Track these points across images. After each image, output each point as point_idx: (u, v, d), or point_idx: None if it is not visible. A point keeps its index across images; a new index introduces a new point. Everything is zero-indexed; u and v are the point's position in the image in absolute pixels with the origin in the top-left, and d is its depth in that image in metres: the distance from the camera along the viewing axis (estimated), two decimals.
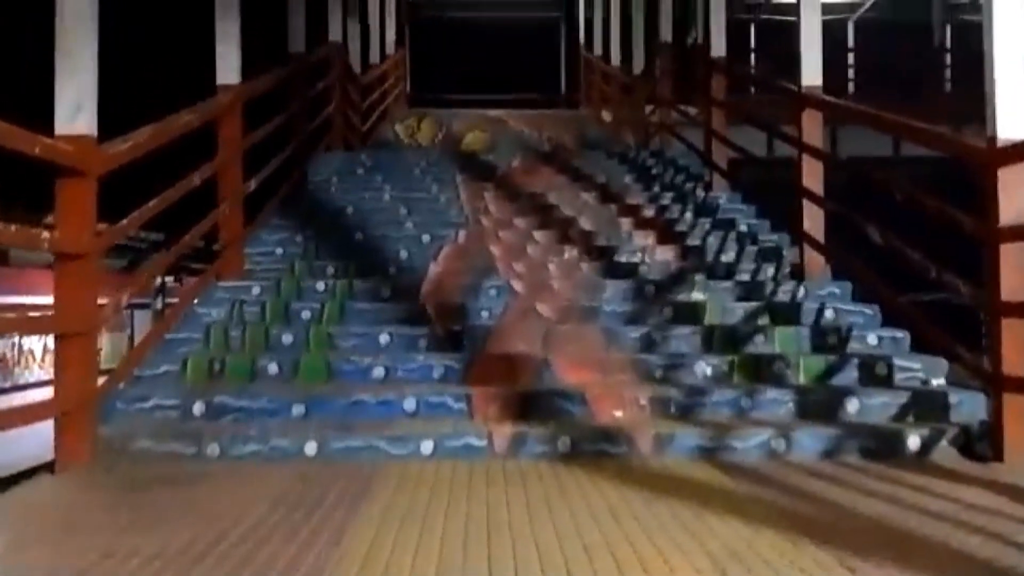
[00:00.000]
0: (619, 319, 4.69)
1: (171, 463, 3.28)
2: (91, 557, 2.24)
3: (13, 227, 2.88)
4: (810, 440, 3.39)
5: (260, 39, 5.94)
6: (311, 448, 3.35)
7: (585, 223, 6.02)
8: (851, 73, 16.30)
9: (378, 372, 4.08)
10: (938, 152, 4.07)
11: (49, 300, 3.22)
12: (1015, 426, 3.23)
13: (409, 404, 3.72)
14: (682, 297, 4.95)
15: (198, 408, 3.70)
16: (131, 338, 13.61)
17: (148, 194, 3.94)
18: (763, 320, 4.66)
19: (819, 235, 5.04)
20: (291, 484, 2.93)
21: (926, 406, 3.72)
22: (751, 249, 5.63)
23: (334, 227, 6.01)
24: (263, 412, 3.69)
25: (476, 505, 2.67)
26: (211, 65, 5.05)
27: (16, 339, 12.16)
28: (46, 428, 3.19)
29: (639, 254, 5.58)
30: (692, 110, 8.68)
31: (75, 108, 3.25)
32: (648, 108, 9.33)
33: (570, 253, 5.61)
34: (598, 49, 12.79)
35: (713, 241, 5.77)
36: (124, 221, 3.68)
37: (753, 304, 4.80)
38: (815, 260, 5.11)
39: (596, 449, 3.37)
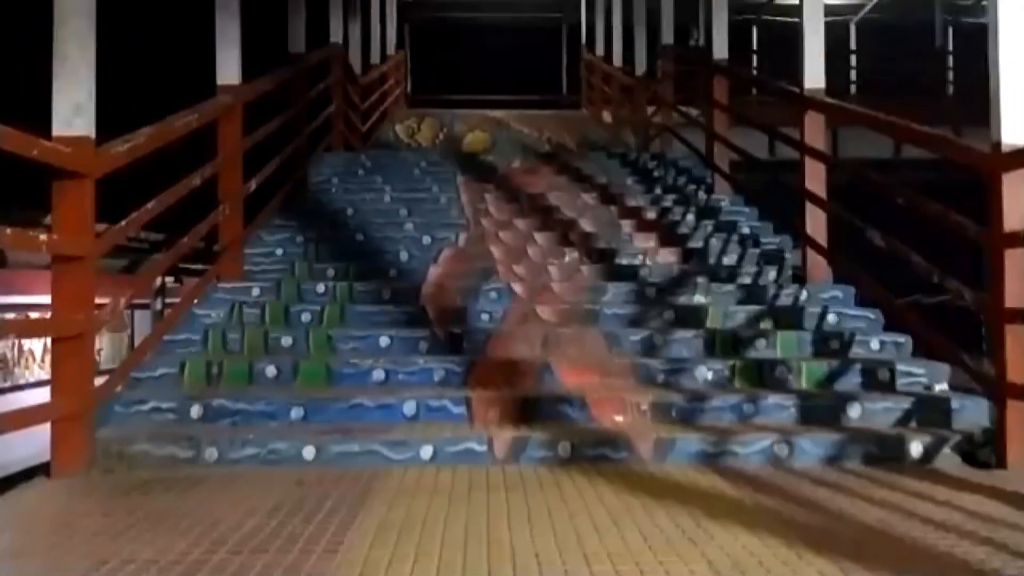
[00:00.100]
0: (620, 322, 4.67)
1: (168, 467, 3.26)
2: (85, 564, 2.22)
3: (9, 230, 2.85)
4: (812, 446, 3.36)
5: (260, 40, 5.91)
6: (309, 453, 3.32)
7: (586, 225, 5.99)
8: (852, 75, 16.27)
9: (378, 375, 4.06)
10: (941, 156, 4.03)
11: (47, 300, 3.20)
12: (1019, 433, 3.22)
13: (409, 408, 3.70)
14: (683, 300, 4.93)
15: (196, 411, 3.67)
16: (131, 338, 13.59)
17: (150, 194, 3.92)
18: (765, 324, 4.64)
19: (821, 238, 5.02)
20: (289, 490, 2.91)
21: (928, 412, 3.70)
22: (753, 252, 5.60)
23: (334, 228, 5.99)
24: (261, 415, 3.66)
25: (476, 513, 2.65)
26: (211, 66, 5.03)
27: (16, 339, 12.13)
28: (45, 427, 3.17)
29: (640, 257, 5.56)
30: (693, 111, 8.65)
31: (73, 109, 3.22)
32: (649, 109, 9.30)
33: (571, 255, 5.58)
34: (599, 50, 12.76)
35: (715, 244, 5.74)
36: (123, 223, 3.65)
37: (755, 308, 4.78)
38: (818, 263, 5.09)
39: (597, 454, 3.35)
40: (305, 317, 4.70)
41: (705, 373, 4.07)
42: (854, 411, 3.69)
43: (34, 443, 3.48)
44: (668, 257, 5.58)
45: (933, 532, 2.47)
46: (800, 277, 5.18)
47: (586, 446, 3.37)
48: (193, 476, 3.12)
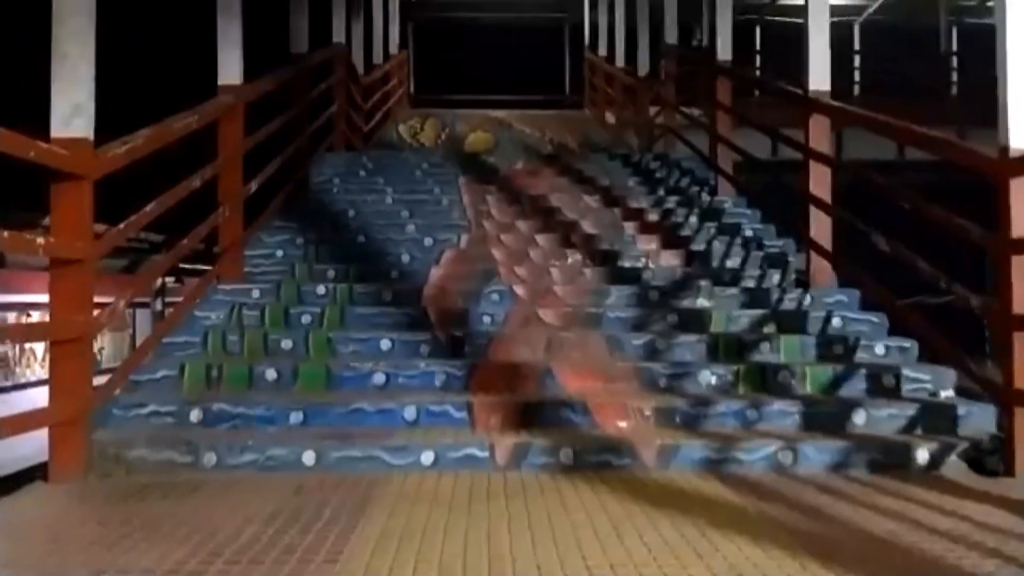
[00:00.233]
0: (623, 326, 4.63)
1: (166, 472, 3.22)
2: (81, 574, 2.19)
3: (6, 233, 2.82)
4: (817, 453, 3.33)
5: (262, 40, 5.88)
6: (309, 458, 3.29)
7: (588, 227, 5.96)
8: (856, 76, 16.20)
9: (378, 379, 4.02)
10: (948, 160, 3.99)
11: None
12: None
13: (409, 413, 3.67)
14: (687, 304, 4.89)
15: (195, 415, 3.64)
16: (132, 337, 13.59)
17: (151, 194, 3.89)
18: (769, 328, 4.60)
19: (826, 242, 4.98)
20: (288, 497, 2.88)
21: (935, 418, 3.66)
22: (756, 255, 5.57)
23: (335, 229, 5.96)
24: (261, 420, 3.63)
25: (476, 521, 2.62)
26: (213, 66, 5.00)
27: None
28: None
29: (643, 259, 5.52)
30: (696, 112, 8.61)
31: (72, 110, 3.20)
32: (652, 110, 9.27)
33: (573, 257, 5.55)
34: (602, 50, 12.72)
35: (718, 246, 5.71)
36: (122, 225, 3.62)
37: (759, 312, 4.74)
38: (822, 267, 5.04)
39: (599, 461, 3.31)
40: (305, 319, 4.67)
41: (708, 378, 4.03)
42: (859, 417, 3.65)
43: (35, 442, 3.44)
44: (671, 260, 5.55)
45: (941, 543, 2.43)
46: (804, 281, 5.14)
47: (589, 452, 3.33)
48: (191, 481, 3.09)
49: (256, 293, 4.90)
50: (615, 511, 2.74)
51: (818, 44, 5.02)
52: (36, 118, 3.21)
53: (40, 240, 3.08)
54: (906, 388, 3.98)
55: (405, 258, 5.49)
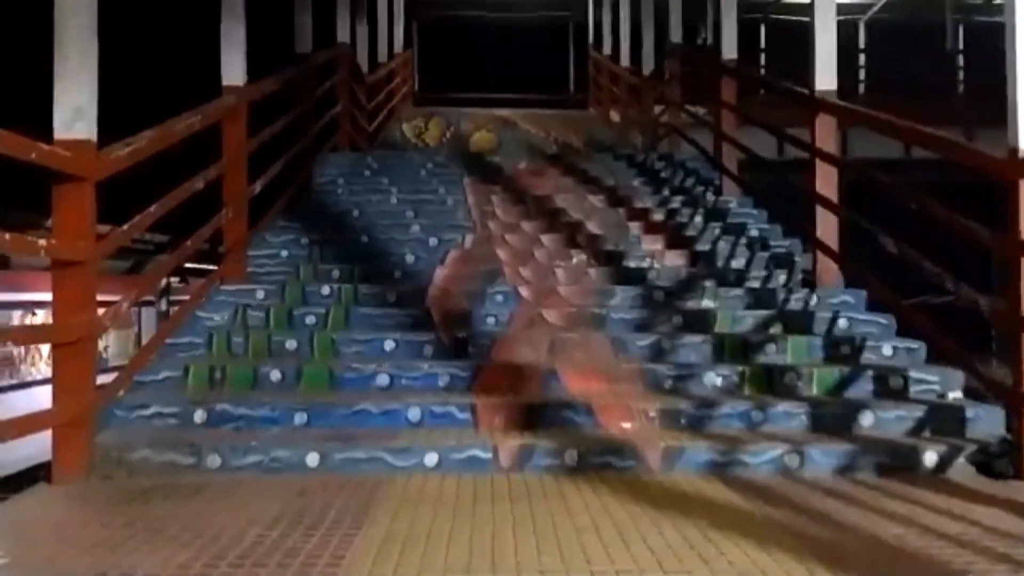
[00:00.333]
0: (627, 327, 4.61)
1: (170, 474, 3.21)
2: None
3: (8, 235, 2.81)
4: (823, 456, 3.30)
5: (266, 40, 5.87)
6: (313, 459, 3.28)
7: (593, 227, 5.94)
8: (861, 74, 16.15)
9: (382, 380, 4.01)
10: (956, 161, 3.96)
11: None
12: None
13: (413, 414, 3.65)
14: (692, 304, 4.87)
15: (199, 416, 3.63)
16: (138, 336, 13.62)
17: (155, 194, 3.88)
18: (775, 329, 4.58)
19: (832, 242, 4.94)
20: (291, 499, 2.86)
21: (942, 421, 3.63)
22: (762, 255, 5.54)
23: (340, 230, 5.95)
24: (265, 421, 3.62)
25: (480, 525, 2.60)
26: (216, 66, 4.99)
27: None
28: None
29: (648, 259, 5.50)
30: (701, 110, 8.58)
31: (74, 112, 3.18)
32: (657, 109, 9.23)
33: (578, 258, 5.53)
34: (607, 49, 12.69)
35: (723, 246, 5.68)
36: (125, 227, 3.61)
37: (764, 312, 4.71)
38: (828, 267, 5.01)
39: (604, 463, 3.29)
40: (309, 320, 4.66)
41: (714, 379, 4.01)
42: (866, 419, 3.62)
43: (39, 443, 3.44)
44: (676, 260, 5.52)
45: (949, 548, 2.41)
46: (810, 281, 5.11)
47: (593, 454, 3.31)
48: (194, 484, 3.08)
49: (260, 294, 4.89)
50: (619, 515, 2.72)
51: (824, 43, 4.99)
52: (38, 120, 3.20)
53: (42, 242, 3.07)
54: (914, 390, 3.95)
55: (409, 258, 5.48)
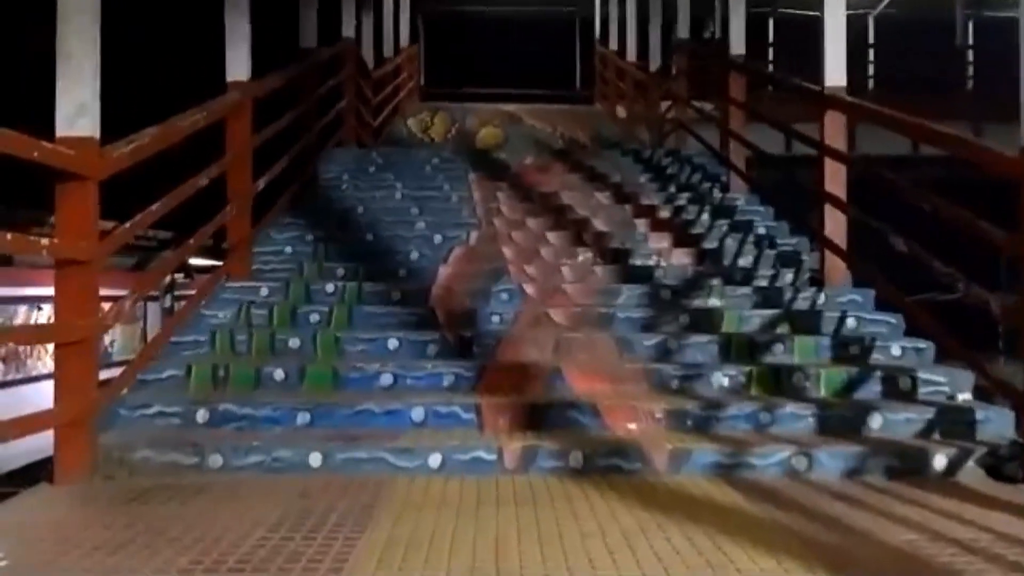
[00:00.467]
0: (634, 326, 4.57)
1: (172, 474, 3.20)
2: None
3: (9, 235, 2.79)
4: (832, 459, 3.26)
5: (271, 35, 5.84)
6: (315, 460, 3.26)
7: (599, 224, 5.89)
8: (870, 70, 16.04)
9: (386, 379, 3.98)
10: (967, 159, 3.91)
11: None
12: None
13: (417, 414, 3.62)
14: (698, 303, 4.83)
15: (201, 416, 3.61)
16: (144, 331, 13.64)
17: (159, 188, 3.86)
18: (782, 329, 4.53)
19: (841, 241, 4.89)
20: (293, 501, 2.84)
21: (952, 423, 3.59)
22: (769, 253, 5.49)
23: (344, 226, 5.92)
24: (267, 420, 3.60)
25: (484, 529, 2.57)
26: (220, 62, 4.96)
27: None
28: None
29: (654, 257, 5.46)
30: (708, 106, 8.53)
31: (77, 110, 3.16)
32: (664, 105, 9.18)
33: (584, 256, 5.49)
34: (613, 44, 12.62)
35: (730, 244, 5.64)
36: (127, 224, 3.59)
37: (772, 312, 4.67)
38: (836, 266, 4.96)
39: (609, 465, 3.26)
40: (313, 318, 4.64)
41: (720, 379, 3.97)
42: (875, 421, 3.58)
43: (39, 439, 3.42)
44: (683, 258, 5.48)
45: (961, 555, 2.37)
46: (818, 280, 5.06)
47: (599, 456, 3.28)
48: (196, 484, 3.06)
49: (264, 291, 4.87)
50: (625, 519, 2.69)
51: (834, 39, 4.93)
52: (40, 118, 3.18)
53: (44, 241, 3.04)
54: (922, 391, 3.91)
55: (414, 256, 5.45)
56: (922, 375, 3.96)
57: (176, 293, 13.60)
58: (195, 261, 9.93)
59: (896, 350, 4.27)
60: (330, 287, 4.93)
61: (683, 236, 5.78)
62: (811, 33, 5.16)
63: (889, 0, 15.80)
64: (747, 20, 6.82)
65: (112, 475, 3.18)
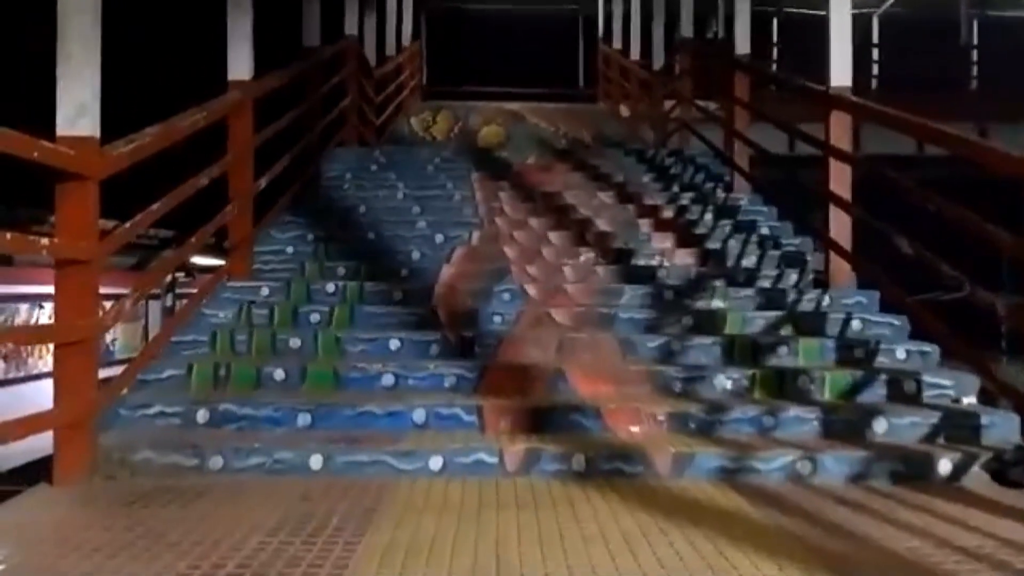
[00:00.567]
0: (636, 327, 4.55)
1: (173, 475, 3.18)
2: None
3: (9, 235, 2.77)
4: (836, 463, 3.24)
5: (273, 33, 5.82)
6: (316, 462, 3.24)
7: (602, 224, 5.87)
8: (875, 69, 16.00)
9: (387, 380, 3.97)
10: (975, 161, 3.88)
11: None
12: None
13: (418, 416, 3.61)
14: (701, 305, 4.80)
15: (202, 416, 3.60)
16: (145, 329, 13.65)
17: (159, 187, 3.84)
18: (786, 331, 4.51)
19: (846, 242, 4.87)
20: (294, 504, 2.82)
21: (957, 427, 3.57)
22: (773, 254, 5.47)
23: (346, 226, 5.90)
24: (268, 421, 3.58)
25: (485, 533, 2.55)
26: (222, 61, 4.94)
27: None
28: None
29: (657, 258, 5.44)
30: (712, 105, 8.49)
31: (77, 109, 3.14)
32: (667, 104, 9.14)
33: (586, 256, 5.47)
34: (617, 43, 12.59)
35: (734, 245, 5.61)
36: (127, 224, 3.57)
37: (775, 313, 4.64)
38: (840, 267, 4.94)
39: (612, 468, 3.24)
40: (314, 318, 4.62)
41: (724, 382, 3.95)
42: (879, 426, 3.56)
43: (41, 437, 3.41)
44: (686, 259, 5.46)
45: (967, 564, 2.35)
46: (822, 281, 5.04)
47: (601, 459, 3.26)
48: (196, 486, 3.04)
49: (265, 291, 4.85)
50: (628, 523, 2.67)
51: (839, 39, 4.91)
52: (41, 118, 3.16)
53: (44, 241, 3.02)
54: (927, 394, 3.89)
55: (416, 255, 5.43)
56: (927, 379, 3.94)
57: (177, 291, 13.59)
58: (197, 259, 9.91)
59: (901, 353, 4.25)
60: (331, 287, 4.92)
61: (686, 236, 5.75)
62: (815, 32, 5.13)
63: None
64: (751, 20, 6.79)
65: (113, 475, 3.16)
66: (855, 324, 4.54)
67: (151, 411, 3.61)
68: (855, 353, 4.25)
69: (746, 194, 6.47)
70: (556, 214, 6.07)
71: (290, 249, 5.48)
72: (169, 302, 13.57)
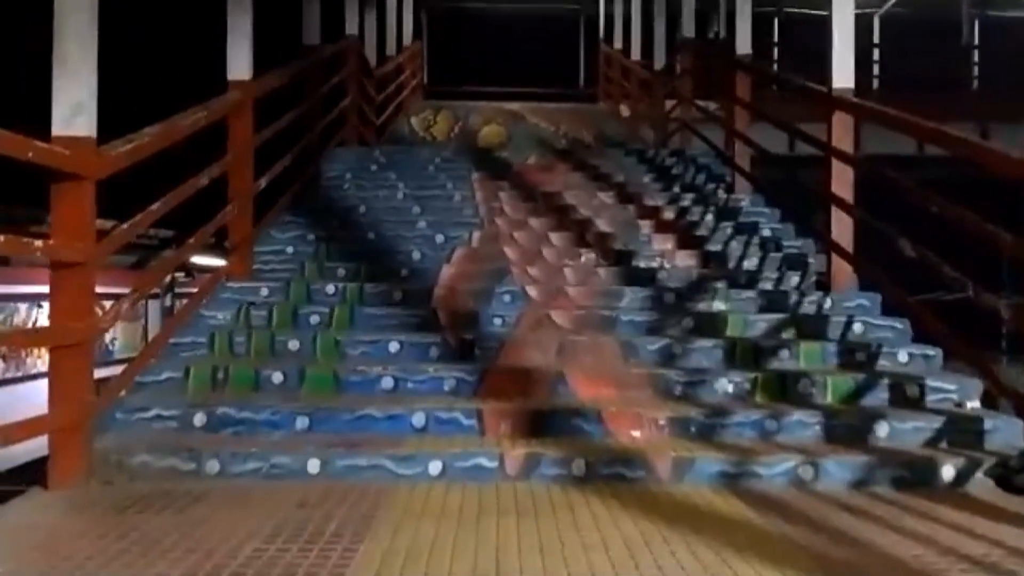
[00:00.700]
0: (637, 329, 4.52)
1: (169, 479, 3.15)
2: None
3: (2, 237, 2.74)
4: (839, 468, 3.21)
5: (273, 33, 5.79)
6: (314, 466, 3.20)
7: (603, 225, 5.84)
8: (876, 70, 15.96)
9: (386, 383, 3.93)
10: (977, 162, 3.85)
11: None
12: None
13: (418, 420, 3.57)
14: (703, 307, 4.77)
15: (199, 419, 3.57)
16: (145, 328, 13.61)
17: (159, 185, 3.81)
18: (787, 334, 4.48)
19: (848, 244, 4.84)
20: (291, 510, 2.79)
21: (960, 432, 3.54)
22: (774, 256, 5.43)
23: (346, 226, 5.87)
24: (266, 425, 3.55)
25: (485, 540, 2.52)
26: (222, 61, 4.91)
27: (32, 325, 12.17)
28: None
29: (658, 259, 5.40)
30: (713, 105, 8.46)
31: (73, 109, 3.11)
32: (668, 104, 9.11)
33: (587, 257, 5.44)
34: (618, 43, 12.55)
35: (735, 247, 5.58)
36: (125, 225, 3.54)
37: (777, 316, 4.61)
38: (842, 269, 4.91)
39: (612, 473, 3.21)
40: (314, 319, 4.59)
41: (725, 386, 3.91)
42: (882, 430, 3.53)
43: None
44: (687, 260, 5.42)
45: (973, 573, 2.32)
46: (824, 284, 5.00)
47: (601, 464, 3.23)
48: (193, 491, 3.01)
49: (264, 291, 4.82)
50: (628, 530, 2.64)
51: (841, 40, 4.88)
52: (39, 118, 3.13)
53: (39, 243, 2.99)
54: (930, 398, 3.85)
55: (416, 256, 5.40)
56: (930, 382, 3.90)
57: (177, 291, 13.55)
58: (197, 259, 9.86)
59: (903, 356, 4.21)
60: (331, 288, 4.89)
61: (687, 238, 5.72)
62: (817, 32, 5.10)
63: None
64: (752, 19, 6.76)
65: (110, 479, 3.13)
66: (857, 327, 4.51)
67: (148, 414, 3.58)
68: (857, 356, 4.21)
69: (747, 195, 6.44)
70: (556, 214, 6.03)
71: (290, 249, 5.45)
72: (168, 302, 13.52)
